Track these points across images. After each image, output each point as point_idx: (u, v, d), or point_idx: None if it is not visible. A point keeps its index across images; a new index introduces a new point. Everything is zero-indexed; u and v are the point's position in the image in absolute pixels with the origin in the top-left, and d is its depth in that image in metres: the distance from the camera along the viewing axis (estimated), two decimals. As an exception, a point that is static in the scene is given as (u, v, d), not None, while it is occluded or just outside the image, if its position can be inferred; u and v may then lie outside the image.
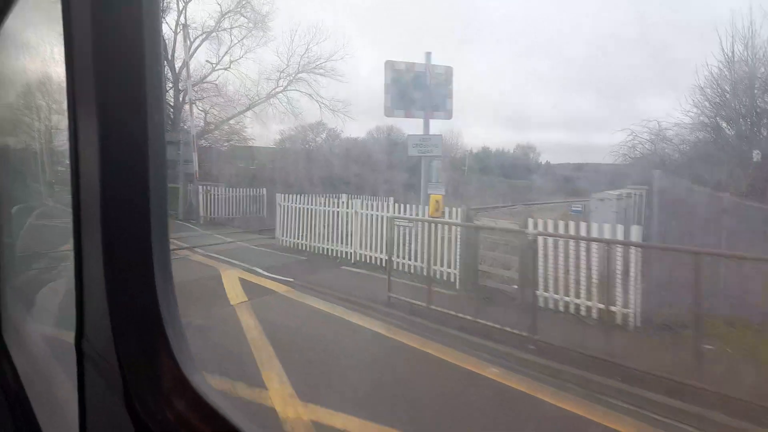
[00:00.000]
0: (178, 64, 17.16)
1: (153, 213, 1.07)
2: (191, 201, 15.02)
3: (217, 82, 18.02)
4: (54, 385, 1.72)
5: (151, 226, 1.07)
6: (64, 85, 1.19)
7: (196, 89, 17.09)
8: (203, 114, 18.03)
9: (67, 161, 1.22)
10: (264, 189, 15.59)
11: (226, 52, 17.70)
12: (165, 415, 1.01)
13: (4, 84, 2.83)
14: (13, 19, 2.02)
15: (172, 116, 16.78)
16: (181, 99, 17.14)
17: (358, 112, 18.42)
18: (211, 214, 14.90)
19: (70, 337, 1.31)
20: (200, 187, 14.89)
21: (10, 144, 3.31)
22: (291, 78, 17.95)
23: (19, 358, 2.19)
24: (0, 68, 2.74)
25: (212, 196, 15.07)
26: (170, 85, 16.80)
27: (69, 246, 1.31)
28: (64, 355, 1.57)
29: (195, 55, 17.43)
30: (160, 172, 1.08)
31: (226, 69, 17.68)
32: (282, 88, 18.08)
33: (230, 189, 15.52)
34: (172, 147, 14.46)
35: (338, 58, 17.45)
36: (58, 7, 1.16)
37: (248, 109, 18.14)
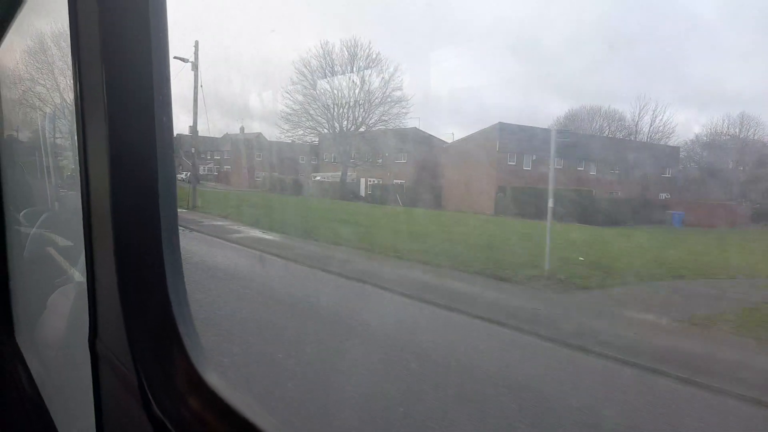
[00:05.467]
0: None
1: (163, 213, 1.07)
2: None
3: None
4: (68, 386, 1.73)
5: (161, 226, 1.07)
6: (71, 85, 1.19)
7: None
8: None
9: (73, 165, 1.23)
10: None
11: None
12: (181, 414, 1.01)
13: (10, 86, 2.84)
14: (18, 23, 2.02)
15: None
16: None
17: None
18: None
19: (82, 338, 1.31)
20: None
21: (17, 148, 3.32)
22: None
23: (33, 361, 2.20)
24: (6, 71, 2.75)
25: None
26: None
27: (78, 248, 1.31)
28: (77, 357, 1.58)
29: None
30: (169, 173, 1.08)
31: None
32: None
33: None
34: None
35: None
36: (65, 8, 1.16)
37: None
